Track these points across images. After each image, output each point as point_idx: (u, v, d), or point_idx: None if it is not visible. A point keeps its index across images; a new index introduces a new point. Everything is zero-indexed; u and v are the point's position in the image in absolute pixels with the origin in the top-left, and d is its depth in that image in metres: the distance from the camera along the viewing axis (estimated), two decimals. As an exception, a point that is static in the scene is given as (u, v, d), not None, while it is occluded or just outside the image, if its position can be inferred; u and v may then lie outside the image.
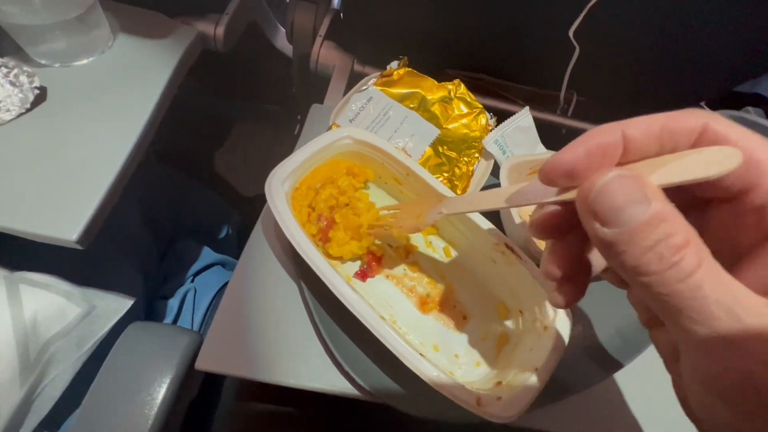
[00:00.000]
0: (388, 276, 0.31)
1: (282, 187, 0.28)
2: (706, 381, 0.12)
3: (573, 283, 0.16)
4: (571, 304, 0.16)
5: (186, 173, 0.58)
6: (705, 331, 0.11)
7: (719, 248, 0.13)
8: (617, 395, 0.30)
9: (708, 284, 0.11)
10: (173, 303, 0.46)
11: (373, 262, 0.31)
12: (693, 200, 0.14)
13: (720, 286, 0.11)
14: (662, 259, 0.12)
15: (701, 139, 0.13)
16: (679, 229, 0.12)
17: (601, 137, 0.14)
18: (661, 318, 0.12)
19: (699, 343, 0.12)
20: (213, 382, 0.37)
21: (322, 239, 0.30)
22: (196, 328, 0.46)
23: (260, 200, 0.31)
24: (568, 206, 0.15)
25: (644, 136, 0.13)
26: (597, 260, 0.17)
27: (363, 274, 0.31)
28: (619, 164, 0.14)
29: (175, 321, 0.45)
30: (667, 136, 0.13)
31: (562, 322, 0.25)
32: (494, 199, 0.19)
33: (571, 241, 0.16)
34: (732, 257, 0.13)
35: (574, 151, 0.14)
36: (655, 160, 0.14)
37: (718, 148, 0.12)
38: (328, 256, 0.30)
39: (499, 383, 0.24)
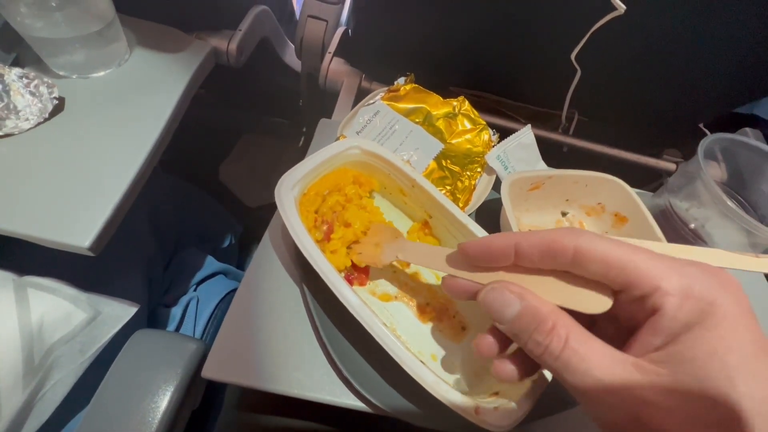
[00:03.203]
0: (389, 281, 0.32)
1: (291, 192, 0.29)
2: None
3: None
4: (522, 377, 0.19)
5: (191, 182, 0.59)
6: (579, 395, 0.15)
7: (623, 324, 0.17)
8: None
9: (574, 359, 0.15)
10: (176, 311, 0.47)
11: (359, 273, 0.32)
12: None
13: (583, 360, 0.15)
14: (539, 345, 0.16)
15: (577, 257, 0.16)
16: (546, 317, 0.16)
17: (496, 241, 0.18)
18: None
19: (580, 401, 0.16)
20: (215, 391, 0.37)
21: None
22: (197, 336, 0.46)
23: (264, 211, 0.31)
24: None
25: (531, 249, 0.18)
26: None
27: (350, 280, 0.31)
28: (518, 266, 0.19)
29: (177, 329, 0.46)
30: (549, 253, 0.17)
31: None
32: (442, 263, 0.22)
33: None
34: (631, 330, 0.16)
35: (476, 244, 0.19)
36: (555, 283, 0.18)
37: (597, 295, 0.17)
38: None
39: (496, 393, 0.24)
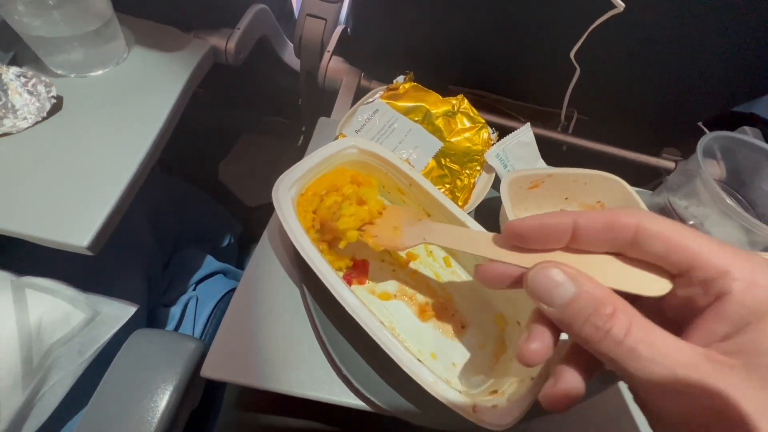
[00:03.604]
0: (390, 280, 0.31)
1: (288, 192, 0.29)
2: (665, 425, 0.15)
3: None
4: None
5: (190, 182, 0.59)
6: (644, 384, 0.14)
7: (669, 316, 0.16)
8: (615, 407, 0.30)
9: (641, 346, 0.14)
10: (175, 311, 0.46)
11: (358, 272, 0.31)
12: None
13: (651, 347, 0.14)
14: (598, 329, 0.15)
15: (639, 235, 0.16)
16: (605, 301, 0.15)
17: (553, 219, 0.17)
18: (620, 377, 0.15)
19: (644, 391, 0.14)
20: (214, 391, 0.37)
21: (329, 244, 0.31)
22: (197, 336, 0.46)
23: (263, 210, 0.31)
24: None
25: (591, 227, 0.16)
26: None
27: (349, 280, 0.31)
28: (569, 248, 0.17)
29: (176, 329, 0.46)
30: (610, 230, 0.16)
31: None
32: (478, 245, 0.21)
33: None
34: (690, 317, 0.15)
35: (530, 222, 0.18)
36: (611, 264, 0.17)
37: (657, 278, 0.16)
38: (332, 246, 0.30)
39: (495, 392, 0.24)
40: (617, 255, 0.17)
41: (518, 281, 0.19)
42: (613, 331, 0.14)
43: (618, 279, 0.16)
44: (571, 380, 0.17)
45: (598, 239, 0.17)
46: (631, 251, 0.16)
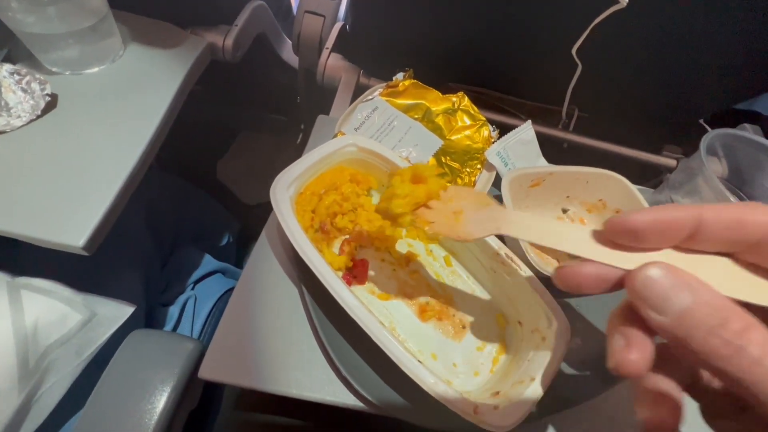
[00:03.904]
0: (389, 280, 0.31)
1: (287, 191, 0.28)
2: None
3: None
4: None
5: (188, 180, 0.59)
6: None
7: None
8: (617, 408, 0.29)
9: None
10: (173, 310, 0.46)
11: (358, 272, 0.31)
12: None
13: None
14: (728, 344, 0.12)
15: None
16: (731, 313, 0.13)
17: (676, 212, 0.15)
18: (753, 403, 0.13)
19: None
20: (213, 391, 0.37)
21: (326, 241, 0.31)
22: (195, 336, 0.46)
23: (262, 209, 0.31)
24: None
25: (717, 222, 0.14)
26: None
27: (348, 280, 0.31)
28: (683, 246, 0.15)
29: (174, 329, 0.45)
30: (738, 228, 0.14)
31: (560, 333, 0.25)
32: (571, 242, 0.17)
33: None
34: None
35: (648, 216, 0.15)
36: (728, 268, 0.15)
37: None
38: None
39: (497, 393, 0.24)
40: (728, 256, 0.15)
41: (617, 285, 0.16)
42: (748, 348, 0.12)
43: (734, 286, 0.14)
44: (671, 390, 0.15)
45: (719, 237, 0.15)
46: (750, 253, 0.14)
